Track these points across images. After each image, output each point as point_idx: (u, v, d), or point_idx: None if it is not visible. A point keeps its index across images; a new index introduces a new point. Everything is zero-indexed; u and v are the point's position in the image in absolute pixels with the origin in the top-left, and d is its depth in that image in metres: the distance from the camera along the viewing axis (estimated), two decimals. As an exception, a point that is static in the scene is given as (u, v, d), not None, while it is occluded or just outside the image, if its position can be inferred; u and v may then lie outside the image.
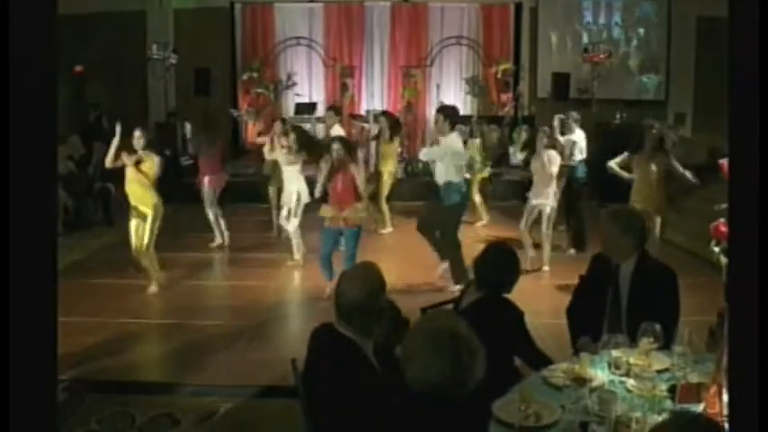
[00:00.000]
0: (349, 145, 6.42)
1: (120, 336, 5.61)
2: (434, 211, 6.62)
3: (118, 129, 6.32)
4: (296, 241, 7.54)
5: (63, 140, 9.66)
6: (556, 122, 7.97)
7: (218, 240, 8.46)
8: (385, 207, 9.08)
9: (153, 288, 6.56)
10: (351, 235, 6.24)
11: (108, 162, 6.42)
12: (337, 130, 8.30)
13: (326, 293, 6.06)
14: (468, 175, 6.98)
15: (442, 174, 6.34)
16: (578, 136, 8.25)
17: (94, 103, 13.00)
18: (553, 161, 6.99)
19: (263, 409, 4.30)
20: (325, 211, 6.28)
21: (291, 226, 7.50)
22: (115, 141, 6.32)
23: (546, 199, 7.06)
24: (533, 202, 7.11)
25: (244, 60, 14.60)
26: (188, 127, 9.22)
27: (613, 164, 6.90)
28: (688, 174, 6.47)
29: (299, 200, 7.37)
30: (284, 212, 7.58)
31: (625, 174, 6.77)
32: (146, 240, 6.39)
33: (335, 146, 6.25)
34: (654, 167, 6.43)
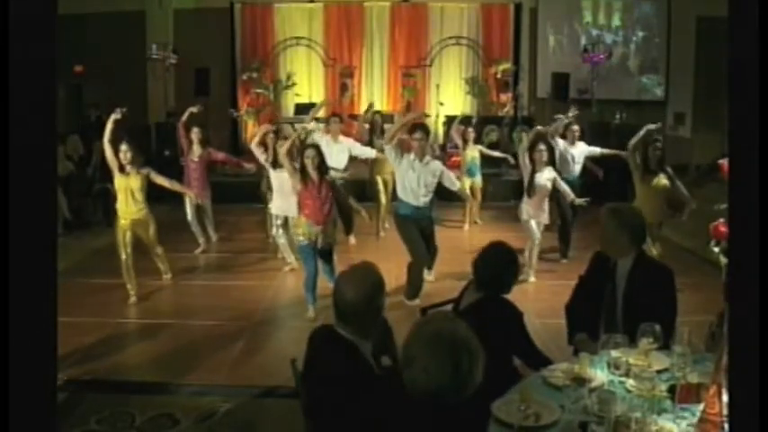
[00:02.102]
0: (322, 155, 5.87)
1: (120, 335, 5.61)
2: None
3: (114, 115, 6.15)
4: (285, 248, 7.41)
5: (62, 140, 9.64)
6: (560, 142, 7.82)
7: (202, 245, 8.26)
8: (384, 213, 8.93)
9: (134, 299, 6.37)
10: (326, 251, 5.92)
11: (107, 135, 6.15)
12: (342, 140, 8.02)
13: (309, 316, 5.83)
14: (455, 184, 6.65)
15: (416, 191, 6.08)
16: (579, 149, 8.03)
17: (95, 103, 13.01)
18: (550, 178, 6.83)
19: (262, 410, 4.30)
20: (300, 225, 5.86)
21: (282, 238, 7.36)
22: (110, 125, 6.14)
23: (544, 213, 6.91)
24: (535, 218, 6.86)
25: (243, 60, 14.62)
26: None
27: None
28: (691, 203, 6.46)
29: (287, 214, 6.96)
30: (278, 222, 7.36)
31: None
32: (156, 244, 6.65)
33: (310, 152, 5.77)
34: (659, 183, 6.32)
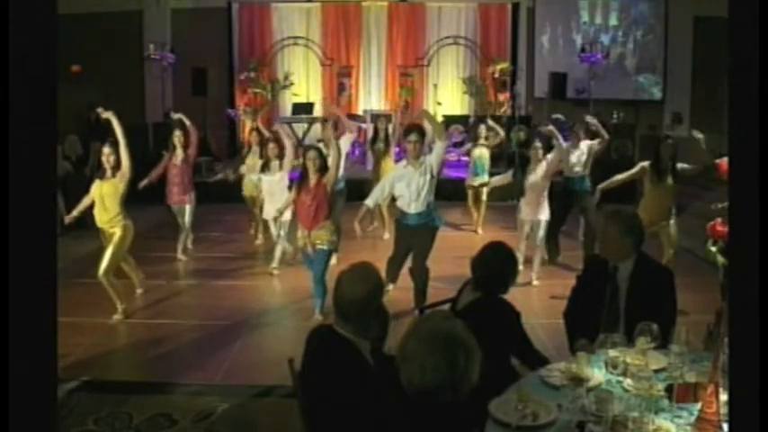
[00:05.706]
0: (324, 156, 5.80)
1: (117, 336, 5.61)
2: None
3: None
4: (278, 250, 7.28)
5: (60, 140, 9.60)
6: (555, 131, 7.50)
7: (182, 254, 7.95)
8: (386, 213, 8.88)
9: (118, 316, 5.87)
10: (318, 257, 5.72)
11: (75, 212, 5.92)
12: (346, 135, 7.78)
13: (314, 318, 5.72)
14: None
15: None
16: (583, 149, 7.59)
17: (93, 103, 12.96)
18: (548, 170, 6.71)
19: (260, 409, 4.30)
20: (300, 231, 5.84)
21: (280, 240, 7.25)
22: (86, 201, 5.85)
23: (542, 211, 6.76)
24: (529, 216, 6.77)
25: (241, 60, 14.62)
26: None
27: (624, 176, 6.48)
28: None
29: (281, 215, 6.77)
30: (276, 226, 7.25)
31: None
32: (104, 264, 5.78)
33: (312, 153, 5.69)
34: (669, 182, 6.11)
